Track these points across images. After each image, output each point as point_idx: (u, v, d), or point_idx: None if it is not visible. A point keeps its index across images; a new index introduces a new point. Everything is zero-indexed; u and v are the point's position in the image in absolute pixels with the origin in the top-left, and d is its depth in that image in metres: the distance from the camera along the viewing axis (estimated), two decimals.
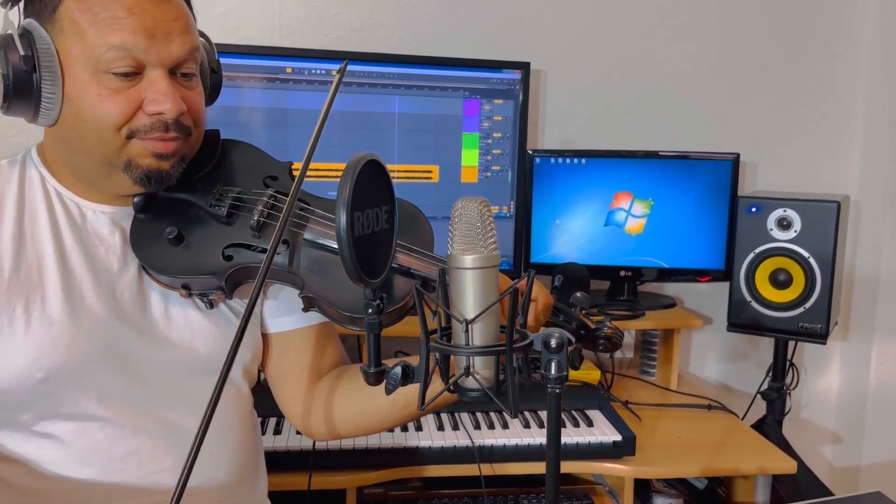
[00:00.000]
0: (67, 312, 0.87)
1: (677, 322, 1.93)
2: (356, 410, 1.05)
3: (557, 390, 0.78)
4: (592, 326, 1.03)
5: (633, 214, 2.02)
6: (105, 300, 0.91)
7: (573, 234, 2.04)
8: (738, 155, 1.98)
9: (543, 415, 1.63)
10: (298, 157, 1.84)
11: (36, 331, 0.85)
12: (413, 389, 0.95)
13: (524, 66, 1.98)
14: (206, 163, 1.02)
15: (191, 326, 0.95)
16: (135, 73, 0.86)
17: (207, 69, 1.02)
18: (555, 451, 0.79)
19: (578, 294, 1.06)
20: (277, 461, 1.44)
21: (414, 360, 0.82)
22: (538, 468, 1.53)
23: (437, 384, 0.80)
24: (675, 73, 2.18)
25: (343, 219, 0.74)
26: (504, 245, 2.02)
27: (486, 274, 0.77)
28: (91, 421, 0.88)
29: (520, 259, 2.05)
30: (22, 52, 0.84)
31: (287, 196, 1.00)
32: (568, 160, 2.02)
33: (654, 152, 2.02)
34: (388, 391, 0.79)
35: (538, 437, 1.53)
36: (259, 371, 1.08)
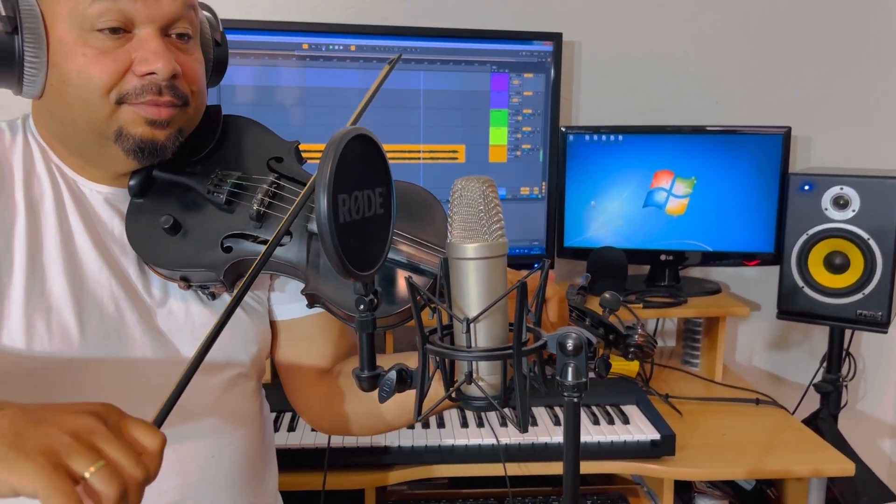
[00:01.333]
0: (69, 299, 0.82)
1: (721, 309, 1.80)
2: (364, 409, 0.98)
3: (575, 399, 0.68)
4: (623, 332, 0.92)
5: (675, 194, 1.89)
6: (107, 287, 0.85)
7: (610, 216, 1.92)
8: (790, 129, 1.83)
9: None
10: (315, 138, 1.76)
11: (31, 315, 0.80)
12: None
13: (556, 38, 1.85)
14: (207, 142, 0.94)
15: (191, 318, 0.89)
16: (123, 31, 0.79)
17: (210, 40, 0.93)
18: (573, 465, 0.69)
19: (608, 295, 0.95)
20: (292, 459, 1.37)
21: (414, 362, 0.72)
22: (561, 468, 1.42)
23: (439, 389, 0.70)
24: (720, 41, 2.03)
25: (324, 203, 0.65)
26: (536, 229, 1.91)
27: (491, 265, 0.67)
28: None
29: (552, 244, 1.93)
30: (3, 13, 0.77)
31: (290, 180, 0.91)
32: (604, 137, 1.89)
33: (698, 127, 1.88)
34: (382, 399, 0.70)
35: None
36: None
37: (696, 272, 2.08)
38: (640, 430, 1.44)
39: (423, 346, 0.67)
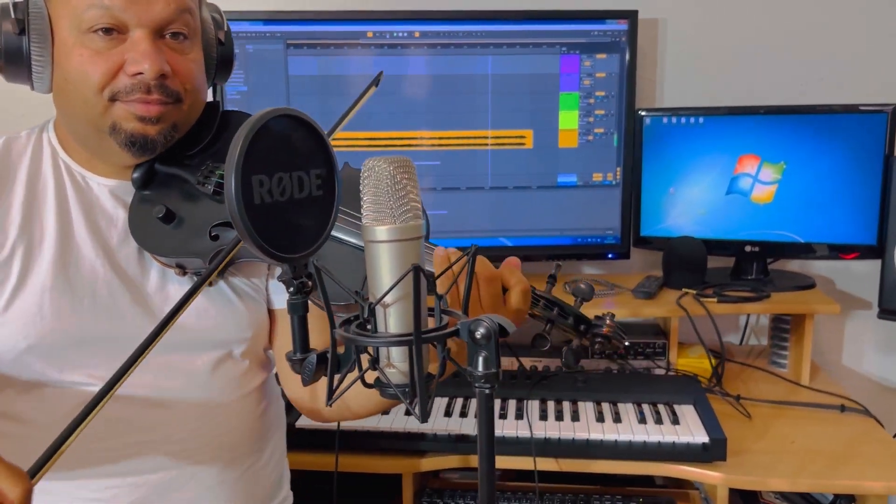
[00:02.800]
0: (60, 282, 0.87)
1: (805, 306, 1.64)
2: (350, 392, 0.97)
3: (487, 390, 0.64)
4: (594, 323, 0.87)
5: (761, 180, 1.74)
6: (100, 273, 0.91)
7: (689, 203, 1.80)
8: (895, 107, 1.63)
9: (624, 408, 1.45)
10: (382, 126, 1.78)
11: (26, 298, 0.86)
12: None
13: (631, 15, 1.76)
14: (204, 136, 0.99)
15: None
16: (116, 32, 0.85)
17: (214, 40, 0.99)
18: (487, 460, 0.65)
19: (582, 285, 0.90)
20: (330, 441, 1.39)
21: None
22: (612, 467, 1.36)
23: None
24: (811, 14, 1.85)
25: (231, 183, 0.64)
26: (610, 217, 1.83)
27: (403, 248, 0.64)
28: (77, 388, 0.88)
29: (628, 233, 1.84)
30: (14, 16, 0.86)
31: None
32: (683, 119, 1.78)
33: (787, 107, 1.72)
34: (304, 382, 0.69)
35: (610, 433, 1.35)
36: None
37: (794, 266, 1.92)
38: (690, 430, 1.35)
39: (332, 331, 0.66)
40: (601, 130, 1.81)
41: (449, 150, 1.80)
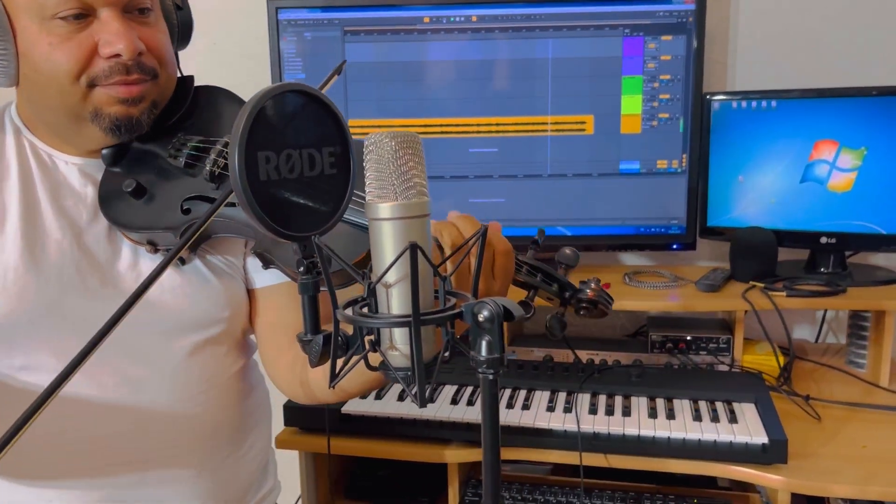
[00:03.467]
0: (24, 260, 0.85)
1: (888, 302, 1.53)
2: (322, 374, 0.95)
3: (490, 376, 0.61)
4: (578, 288, 0.82)
5: (840, 168, 1.63)
6: (68, 252, 0.88)
7: (760, 192, 1.71)
8: None
9: (679, 404, 1.38)
10: (440, 112, 1.75)
11: None
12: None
13: None
14: (177, 111, 0.97)
15: (160, 282, 0.91)
16: (84, 16, 0.82)
17: (171, 6, 0.95)
18: (492, 451, 0.63)
19: (567, 250, 0.85)
20: (376, 428, 1.39)
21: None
22: (665, 465, 1.29)
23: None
24: None
25: (235, 159, 0.63)
26: (675, 206, 1.76)
27: (407, 226, 0.62)
28: (44, 372, 0.86)
29: (693, 223, 1.76)
30: None
31: None
32: (754, 103, 1.69)
33: (868, 89, 1.60)
34: (311, 363, 0.68)
35: (662, 429, 1.29)
36: None
37: (879, 259, 1.79)
38: (748, 430, 1.27)
39: (334, 312, 0.64)
40: (666, 115, 1.73)
41: (506, 137, 1.76)
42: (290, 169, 0.68)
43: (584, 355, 1.68)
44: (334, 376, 0.65)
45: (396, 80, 1.76)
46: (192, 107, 0.97)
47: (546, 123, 1.76)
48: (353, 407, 1.40)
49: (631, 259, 1.95)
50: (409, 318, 0.60)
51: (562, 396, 1.42)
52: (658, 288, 1.67)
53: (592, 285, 0.82)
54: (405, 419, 1.38)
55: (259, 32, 1.78)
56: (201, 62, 2.09)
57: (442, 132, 1.77)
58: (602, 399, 1.40)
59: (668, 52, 1.71)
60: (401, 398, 1.43)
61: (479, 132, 1.76)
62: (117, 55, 0.83)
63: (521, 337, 1.80)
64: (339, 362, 0.71)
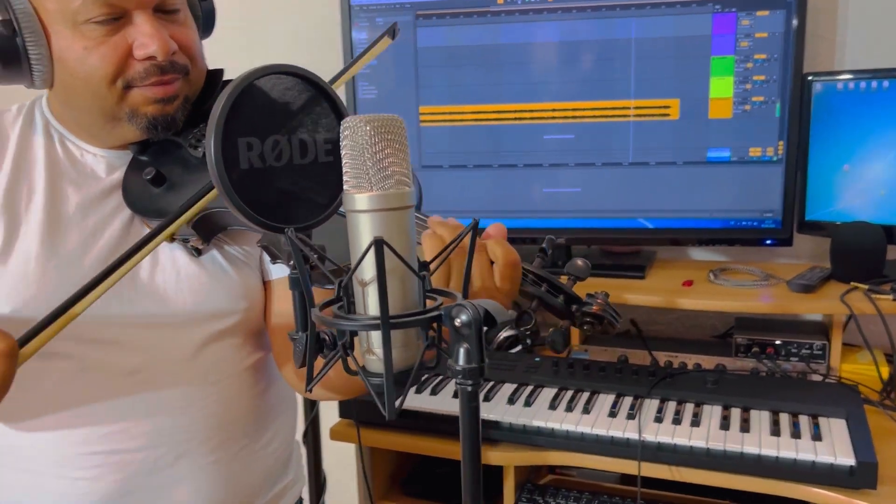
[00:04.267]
0: (46, 248, 0.85)
1: None
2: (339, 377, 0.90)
3: (469, 387, 0.55)
4: (584, 301, 0.74)
5: None
6: (90, 241, 0.88)
7: (868, 183, 1.53)
8: None
9: (757, 416, 1.26)
10: (512, 98, 1.68)
11: (10, 265, 0.85)
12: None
13: None
14: (205, 102, 0.95)
15: (177, 271, 0.90)
16: (116, 19, 0.82)
17: None
18: (471, 467, 0.56)
19: (579, 262, 0.77)
20: (433, 425, 1.34)
21: None
22: (737, 482, 1.18)
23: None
24: None
25: (212, 145, 0.60)
26: (769, 198, 1.61)
27: (386, 219, 0.56)
28: (61, 359, 0.86)
29: (791, 217, 1.61)
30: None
31: None
32: (863, 84, 1.51)
33: None
34: (296, 362, 0.63)
35: (733, 443, 1.18)
36: None
37: None
38: (832, 450, 1.14)
39: (302, 311, 0.59)
40: (760, 99, 1.58)
41: (583, 123, 1.67)
42: (277, 156, 0.64)
43: (662, 357, 1.58)
44: (310, 378, 0.61)
45: (469, 65, 1.69)
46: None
47: (628, 108, 1.65)
48: (407, 402, 1.36)
49: (717, 255, 1.81)
50: (377, 321, 0.55)
51: (627, 401, 1.32)
52: (746, 287, 1.53)
53: (599, 299, 0.74)
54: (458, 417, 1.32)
55: (336, 18, 1.76)
56: (282, 51, 2.11)
57: (516, 118, 1.69)
58: (671, 406, 1.30)
59: (763, 29, 1.56)
60: (455, 395, 1.37)
61: (554, 118, 1.68)
62: (152, 57, 0.83)
63: (592, 336, 1.71)
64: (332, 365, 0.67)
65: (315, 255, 0.62)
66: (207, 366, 0.91)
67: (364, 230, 0.56)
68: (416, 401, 1.36)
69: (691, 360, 1.55)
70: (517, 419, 1.29)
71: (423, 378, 0.57)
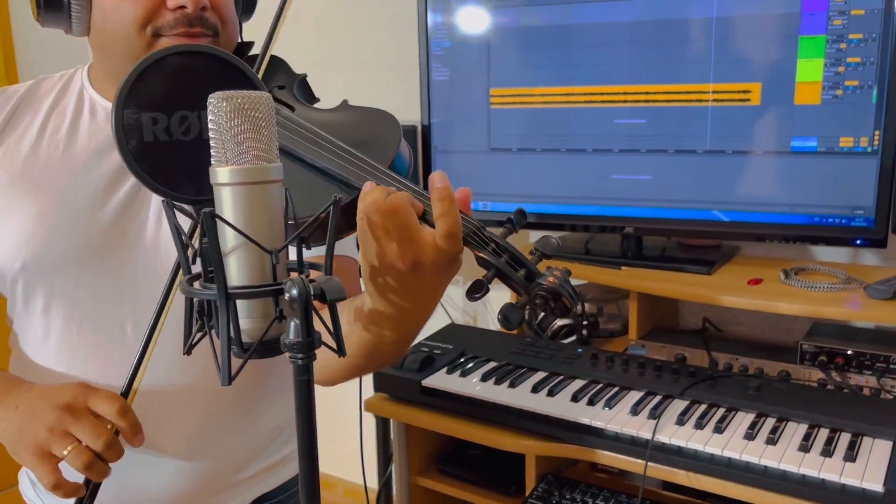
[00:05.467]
0: (58, 207, 0.91)
1: None
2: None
3: (300, 361, 0.56)
4: (538, 274, 0.69)
5: None
6: (100, 200, 0.92)
7: None
8: None
9: (791, 428, 1.16)
10: (581, 80, 1.62)
11: (24, 221, 0.91)
12: (348, 329, 0.78)
13: None
14: None
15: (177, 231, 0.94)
16: None
17: None
18: (308, 456, 0.57)
19: (553, 239, 0.72)
20: (458, 406, 1.35)
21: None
22: (759, 498, 1.09)
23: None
24: None
25: (113, 119, 0.65)
26: (862, 193, 1.46)
27: (247, 193, 0.59)
28: (61, 318, 0.92)
29: (886, 215, 1.44)
30: None
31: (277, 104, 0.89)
32: None
33: None
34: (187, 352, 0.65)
35: (753, 454, 1.09)
36: None
37: None
38: (860, 473, 1.03)
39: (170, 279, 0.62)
40: (854, 83, 1.43)
41: (657, 107, 1.59)
42: (185, 131, 0.67)
43: (723, 359, 1.48)
44: (190, 348, 0.64)
45: (540, 46, 1.66)
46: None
47: (706, 92, 1.55)
48: (434, 381, 1.38)
49: (799, 253, 1.66)
50: (219, 292, 0.57)
51: (654, 401, 1.26)
52: (819, 290, 1.40)
53: (557, 272, 0.69)
54: (483, 401, 1.32)
55: (413, 2, 1.79)
56: (384, 34, 2.17)
57: (586, 101, 1.64)
58: (699, 409, 1.22)
59: (860, 6, 1.40)
60: (484, 379, 1.37)
61: (625, 101, 1.61)
62: (182, 6, 0.86)
63: (657, 331, 1.63)
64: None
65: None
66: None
67: (226, 203, 0.59)
68: (442, 380, 1.37)
69: (753, 364, 1.45)
70: (535, 407, 1.27)
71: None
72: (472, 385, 1.35)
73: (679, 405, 1.23)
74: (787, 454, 1.09)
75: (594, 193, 1.67)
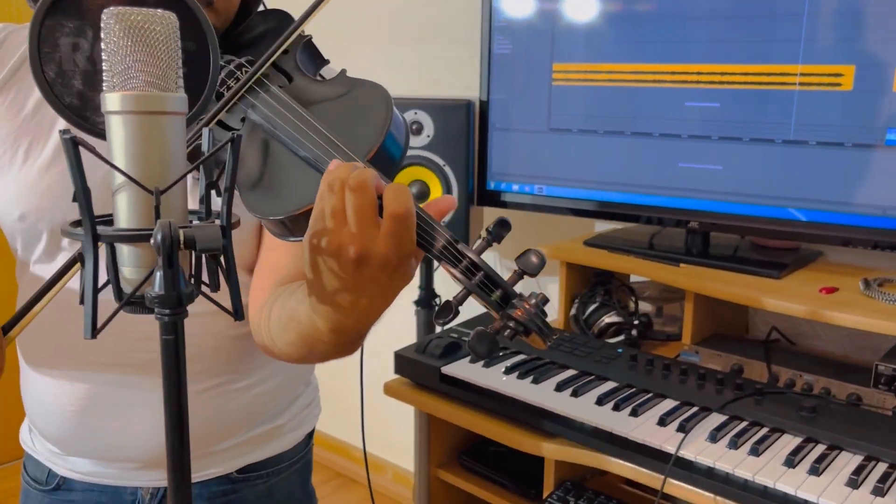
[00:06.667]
0: (58, 161, 0.88)
1: None
2: (279, 312, 0.83)
3: (165, 318, 0.50)
4: (511, 300, 0.58)
5: None
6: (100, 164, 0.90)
7: None
8: None
9: (842, 458, 1.00)
10: (652, 57, 1.47)
11: (25, 173, 0.88)
12: (297, 304, 0.71)
13: None
14: (225, 35, 0.92)
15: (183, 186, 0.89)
16: None
17: None
18: (176, 430, 0.51)
19: (533, 257, 0.60)
20: (478, 398, 1.26)
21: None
22: None
23: None
24: None
25: (28, 40, 0.59)
26: None
27: (137, 123, 0.53)
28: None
29: None
30: None
31: (256, 62, 0.82)
32: None
33: None
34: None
35: (789, 485, 0.95)
36: None
37: None
38: None
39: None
40: None
41: (733, 90, 1.43)
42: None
43: (785, 374, 1.31)
44: (93, 292, 0.57)
45: (609, 19, 1.53)
46: (244, 30, 0.93)
47: (794, 74, 1.38)
48: (454, 369, 1.29)
49: (884, 261, 1.46)
50: (85, 233, 0.50)
51: (688, 412, 1.12)
52: (889, 300, 1.22)
53: (529, 303, 0.59)
54: (502, 395, 1.22)
55: None
56: (423, 17, 2.09)
57: (655, 80, 1.50)
58: (738, 427, 1.08)
59: None
60: (508, 372, 1.27)
61: (699, 81, 1.45)
62: None
63: (718, 338, 1.47)
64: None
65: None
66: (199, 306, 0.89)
67: (115, 134, 0.53)
68: (462, 369, 1.28)
69: (819, 383, 1.27)
70: (554, 407, 1.16)
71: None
72: (494, 377, 1.26)
73: (715, 420, 1.09)
74: (830, 488, 0.93)
75: (658, 182, 1.53)
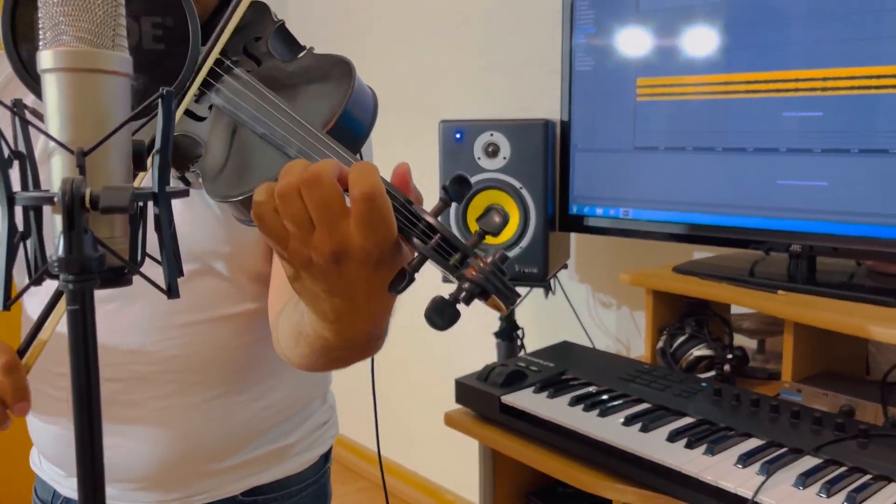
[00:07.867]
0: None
1: None
2: (285, 327, 0.78)
3: (70, 285, 0.45)
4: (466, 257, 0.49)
5: None
6: None
7: None
8: None
9: None
10: (743, 66, 1.34)
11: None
12: (300, 317, 0.66)
13: None
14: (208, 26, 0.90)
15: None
16: None
17: None
18: (85, 415, 0.46)
19: (497, 217, 0.51)
20: (541, 432, 1.15)
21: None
22: None
23: None
24: None
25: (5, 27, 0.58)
26: None
27: (71, 80, 0.50)
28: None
29: None
30: None
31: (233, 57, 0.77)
32: None
33: None
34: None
35: None
36: None
37: None
38: None
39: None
40: None
41: (837, 96, 1.27)
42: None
43: None
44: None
45: (695, 28, 1.42)
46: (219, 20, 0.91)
47: (882, 77, 1.22)
48: (515, 399, 1.19)
49: None
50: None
51: (775, 453, 0.97)
52: None
53: (489, 259, 0.51)
54: (566, 429, 1.11)
55: None
56: (498, 18, 2.03)
57: (748, 90, 1.36)
58: (834, 472, 0.91)
59: None
60: (572, 404, 1.16)
61: (797, 89, 1.31)
62: None
63: (827, 376, 1.29)
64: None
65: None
66: (180, 304, 0.85)
67: (48, 93, 0.49)
68: (523, 399, 1.18)
69: None
70: (619, 442, 1.03)
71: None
72: (557, 409, 1.15)
73: (807, 463, 0.94)
74: None
75: (754, 202, 1.38)
